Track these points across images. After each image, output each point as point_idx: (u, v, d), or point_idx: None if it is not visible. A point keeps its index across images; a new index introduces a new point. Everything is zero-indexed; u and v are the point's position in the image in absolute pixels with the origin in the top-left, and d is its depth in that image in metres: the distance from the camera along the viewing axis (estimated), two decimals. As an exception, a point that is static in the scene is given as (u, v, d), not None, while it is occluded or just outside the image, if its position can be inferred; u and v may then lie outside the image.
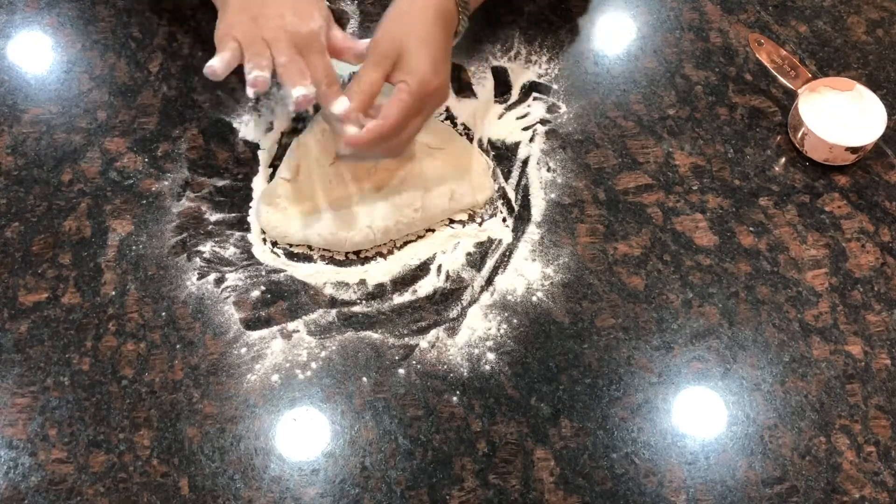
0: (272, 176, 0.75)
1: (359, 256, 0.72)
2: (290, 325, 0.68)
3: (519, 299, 0.70)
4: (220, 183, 0.75)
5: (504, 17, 0.85)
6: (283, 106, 0.79)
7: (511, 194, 0.75)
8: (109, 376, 0.66)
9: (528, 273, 0.71)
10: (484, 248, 0.73)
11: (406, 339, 0.68)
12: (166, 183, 0.75)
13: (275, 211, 0.71)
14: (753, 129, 0.80)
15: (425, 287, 0.71)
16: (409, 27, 0.66)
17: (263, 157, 0.77)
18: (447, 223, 0.74)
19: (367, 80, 0.66)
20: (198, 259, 0.71)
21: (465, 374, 0.66)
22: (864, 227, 0.75)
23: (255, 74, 0.65)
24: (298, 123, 0.78)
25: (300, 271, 0.71)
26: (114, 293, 0.69)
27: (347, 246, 0.71)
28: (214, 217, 0.73)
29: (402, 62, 0.65)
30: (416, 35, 0.66)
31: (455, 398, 0.65)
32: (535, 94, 0.81)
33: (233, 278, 0.70)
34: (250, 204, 0.74)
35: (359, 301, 0.70)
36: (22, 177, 0.75)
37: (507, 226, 0.74)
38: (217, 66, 0.66)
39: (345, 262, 0.72)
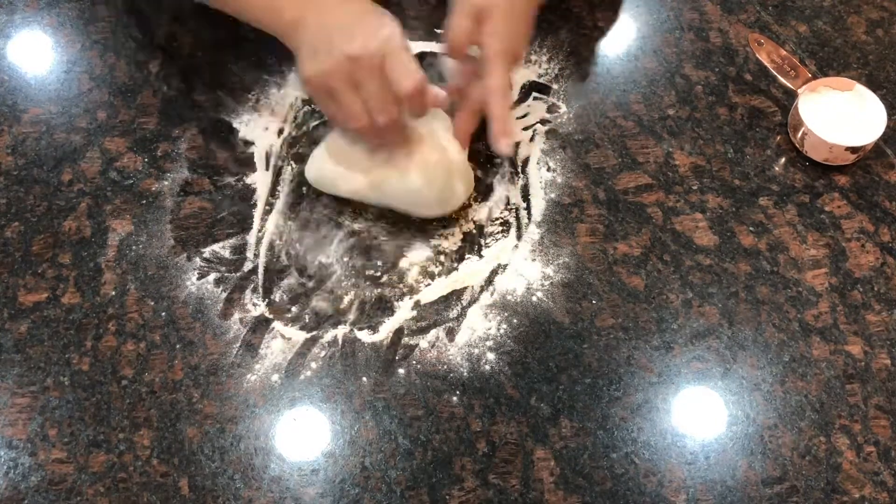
0: (272, 175, 0.75)
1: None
2: (291, 325, 0.68)
3: (519, 299, 0.70)
4: (220, 183, 0.75)
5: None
6: (283, 105, 0.79)
7: (518, 198, 0.75)
8: (109, 376, 0.66)
9: (528, 273, 0.71)
10: (484, 248, 0.73)
11: (406, 339, 0.68)
12: (166, 183, 0.75)
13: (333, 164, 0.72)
14: (753, 129, 0.80)
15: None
16: None
17: (263, 156, 0.77)
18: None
19: (460, 27, 0.68)
20: (198, 259, 0.71)
21: (465, 374, 0.66)
22: (864, 227, 0.75)
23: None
24: (295, 124, 0.78)
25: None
26: (114, 293, 0.69)
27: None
28: (214, 217, 0.73)
29: (488, 23, 0.68)
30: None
31: (455, 398, 0.65)
32: (535, 94, 0.81)
33: (233, 278, 0.70)
34: (251, 203, 0.74)
35: (359, 301, 0.70)
36: (22, 177, 0.75)
37: (516, 245, 0.73)
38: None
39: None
